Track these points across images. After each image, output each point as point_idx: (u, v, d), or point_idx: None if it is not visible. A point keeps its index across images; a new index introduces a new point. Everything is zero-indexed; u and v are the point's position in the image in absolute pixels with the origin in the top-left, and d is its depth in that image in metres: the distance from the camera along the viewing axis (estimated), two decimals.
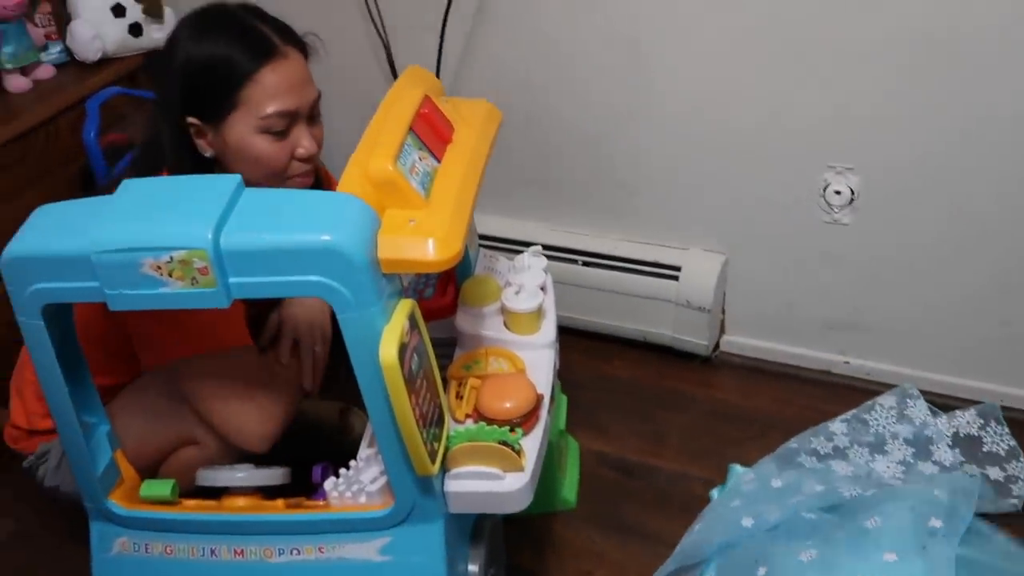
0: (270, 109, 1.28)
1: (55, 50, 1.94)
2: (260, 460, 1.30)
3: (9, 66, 1.82)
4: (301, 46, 1.34)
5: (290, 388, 1.37)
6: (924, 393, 1.64)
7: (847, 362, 1.83)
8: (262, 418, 1.31)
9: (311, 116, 1.35)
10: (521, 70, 1.79)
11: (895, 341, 1.77)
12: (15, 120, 1.76)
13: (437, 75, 1.75)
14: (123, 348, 1.31)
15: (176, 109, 1.30)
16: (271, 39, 1.29)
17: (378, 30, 1.83)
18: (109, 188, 1.13)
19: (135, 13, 1.93)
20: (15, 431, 1.46)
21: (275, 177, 1.33)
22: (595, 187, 1.87)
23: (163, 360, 1.30)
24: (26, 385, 1.43)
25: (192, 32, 1.31)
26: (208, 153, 1.32)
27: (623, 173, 1.83)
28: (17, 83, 1.84)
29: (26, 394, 1.43)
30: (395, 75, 1.86)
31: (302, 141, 1.32)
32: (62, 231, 1.05)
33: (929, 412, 1.61)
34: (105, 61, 1.93)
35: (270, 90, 1.28)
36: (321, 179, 1.47)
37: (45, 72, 1.89)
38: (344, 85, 1.95)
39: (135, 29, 1.93)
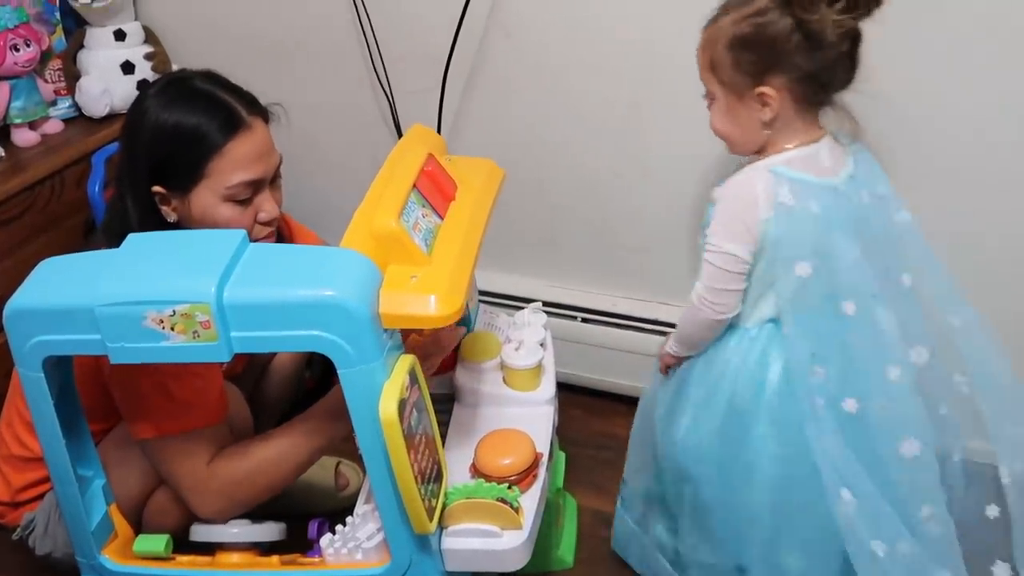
0: (236, 179, 1.29)
1: (64, 105, 1.96)
2: (255, 514, 1.29)
3: (18, 120, 1.84)
4: (264, 114, 1.35)
5: (250, 483, 1.27)
6: None
7: None
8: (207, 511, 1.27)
9: (273, 179, 1.36)
10: (524, 129, 1.82)
11: None
12: (22, 173, 1.77)
13: (439, 132, 1.77)
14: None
15: (143, 177, 1.30)
16: (238, 111, 1.30)
17: (385, 90, 1.86)
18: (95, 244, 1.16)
19: (144, 70, 1.96)
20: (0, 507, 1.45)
21: None
22: (595, 244, 1.88)
23: (154, 434, 1.25)
24: (3, 461, 1.43)
25: (159, 102, 1.30)
26: (172, 219, 1.33)
27: (624, 231, 1.84)
28: (25, 137, 1.86)
29: (5, 470, 1.43)
30: (400, 133, 1.89)
31: (265, 206, 1.33)
32: (66, 284, 1.06)
33: None
34: (112, 116, 1.95)
35: (237, 162, 1.29)
36: (284, 231, 1.48)
37: (53, 127, 1.92)
38: (350, 142, 1.98)
39: (143, 86, 1.96)
